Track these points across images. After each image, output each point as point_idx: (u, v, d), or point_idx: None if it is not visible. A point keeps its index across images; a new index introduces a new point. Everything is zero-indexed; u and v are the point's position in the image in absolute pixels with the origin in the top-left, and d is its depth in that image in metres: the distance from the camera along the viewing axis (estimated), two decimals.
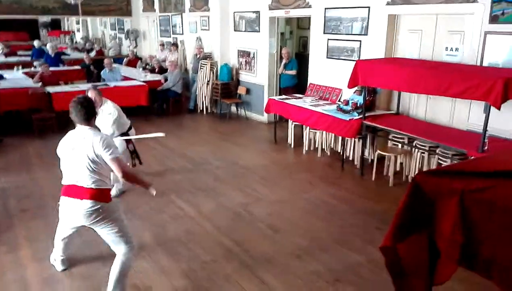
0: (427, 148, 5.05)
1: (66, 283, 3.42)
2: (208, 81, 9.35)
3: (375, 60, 5.58)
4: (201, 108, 9.63)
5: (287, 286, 3.39)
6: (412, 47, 5.77)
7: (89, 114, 3.04)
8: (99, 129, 3.51)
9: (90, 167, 2.95)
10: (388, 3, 5.81)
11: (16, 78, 9.43)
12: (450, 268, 1.81)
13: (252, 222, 4.48)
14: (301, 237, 4.15)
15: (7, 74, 9.72)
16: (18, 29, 18.91)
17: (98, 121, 3.83)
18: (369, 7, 6.13)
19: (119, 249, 3.11)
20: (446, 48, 5.35)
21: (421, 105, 5.73)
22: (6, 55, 14.79)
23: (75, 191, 2.99)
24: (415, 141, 5.19)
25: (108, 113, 4.73)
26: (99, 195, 2.99)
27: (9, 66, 11.91)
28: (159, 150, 6.84)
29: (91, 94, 4.50)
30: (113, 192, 4.66)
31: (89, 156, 2.94)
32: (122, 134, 4.96)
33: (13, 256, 3.78)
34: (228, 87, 9.23)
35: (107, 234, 3.09)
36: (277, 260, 3.76)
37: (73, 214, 3.04)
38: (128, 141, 5.07)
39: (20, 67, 11.45)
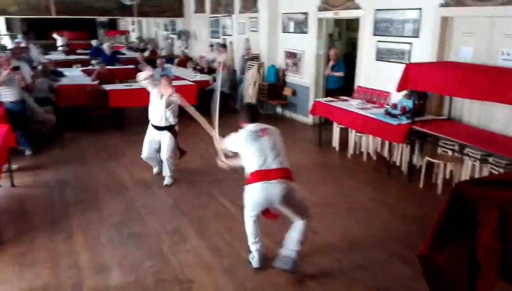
0: (479, 156, 4.85)
1: (115, 273, 3.61)
2: (255, 82, 9.46)
3: (426, 64, 5.44)
4: None
5: (326, 288, 3.41)
6: (465, 50, 5.56)
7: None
8: None
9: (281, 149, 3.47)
10: (441, 5, 5.63)
11: (75, 75, 10.00)
12: (490, 281, 1.77)
13: (292, 222, 4.50)
14: (342, 241, 4.14)
15: (67, 71, 10.34)
16: (78, 29, 19.96)
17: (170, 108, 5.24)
18: (420, 9, 5.97)
19: (302, 218, 3.52)
20: (502, 53, 5.10)
21: (474, 111, 5.51)
22: (66, 53, 15.72)
23: (285, 174, 3.36)
24: (467, 149, 5.00)
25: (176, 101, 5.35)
26: (291, 173, 3.43)
27: (69, 64, 12.66)
28: (205, 148, 7.02)
29: (164, 81, 5.26)
30: (167, 181, 5.50)
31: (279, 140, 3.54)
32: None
33: (68, 243, 4.06)
34: (274, 88, 9.30)
35: (297, 206, 3.49)
36: (316, 262, 3.78)
37: (272, 195, 3.34)
38: (175, 135, 5.52)
39: (79, 65, 12.15)
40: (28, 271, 3.60)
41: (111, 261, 3.75)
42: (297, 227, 3.55)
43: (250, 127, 3.57)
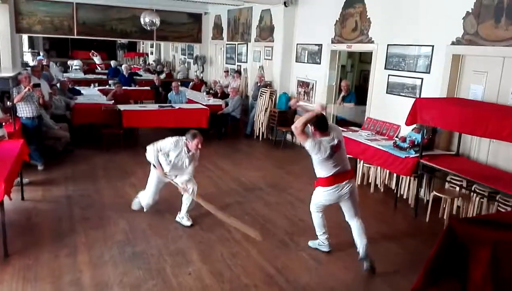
0: (486, 193, 4.82)
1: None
2: (266, 108, 9.58)
3: (436, 99, 5.48)
4: (257, 134, 9.85)
5: None
6: (475, 88, 5.60)
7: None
8: None
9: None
10: (453, 43, 5.72)
11: (92, 94, 10.27)
12: None
13: (296, 251, 4.50)
14: (345, 273, 4.11)
15: (84, 90, 10.62)
16: (98, 49, 20.54)
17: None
18: (433, 46, 6.06)
19: (358, 216, 4.18)
20: None
21: (483, 148, 5.51)
22: (85, 72, 16.17)
23: (350, 174, 4.12)
24: (474, 186, 4.97)
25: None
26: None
27: (87, 82, 13.00)
28: (214, 172, 7.09)
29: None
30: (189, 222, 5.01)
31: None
32: None
33: (72, 259, 4.10)
34: (285, 116, 9.39)
35: (354, 202, 4.13)
36: None
37: (343, 194, 4.07)
38: None
39: (96, 84, 12.47)
40: (31, 286, 3.63)
41: (113, 280, 3.77)
42: (356, 225, 4.19)
43: (326, 140, 3.97)
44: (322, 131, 4.00)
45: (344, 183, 4.04)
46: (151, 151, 4.85)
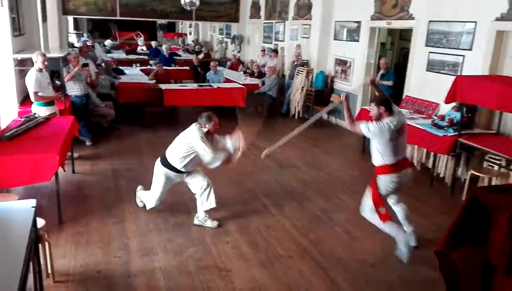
0: None
1: (160, 256, 3.91)
2: (303, 87, 9.61)
3: (477, 77, 5.37)
4: (293, 113, 9.92)
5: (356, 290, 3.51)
6: None
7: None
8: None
9: None
10: (497, 19, 5.54)
11: (134, 74, 10.64)
12: (507, 284, 1.83)
13: (330, 226, 4.64)
14: (377, 247, 4.21)
15: (127, 70, 11.01)
16: (139, 30, 21.00)
17: None
18: (476, 22, 5.89)
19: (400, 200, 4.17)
20: None
21: None
22: (127, 52, 16.66)
23: (409, 162, 4.20)
24: None
25: None
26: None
27: (129, 62, 13.43)
28: (251, 150, 7.25)
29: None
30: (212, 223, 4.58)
31: None
32: None
33: (120, 227, 4.43)
34: (322, 94, 9.41)
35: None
36: (350, 265, 3.88)
37: (406, 181, 4.02)
38: None
39: (138, 64, 12.87)
40: (83, 249, 3.98)
41: (157, 246, 4.06)
42: (401, 208, 4.21)
43: (392, 121, 3.76)
44: (390, 112, 3.81)
45: (409, 168, 3.98)
46: (215, 157, 4.23)
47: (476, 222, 1.81)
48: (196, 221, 4.51)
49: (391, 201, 4.19)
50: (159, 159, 4.55)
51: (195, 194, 4.54)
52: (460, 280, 1.90)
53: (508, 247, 1.67)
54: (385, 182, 3.88)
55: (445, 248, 1.87)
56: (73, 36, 19.09)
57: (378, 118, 3.82)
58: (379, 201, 3.87)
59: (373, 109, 3.87)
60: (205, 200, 4.47)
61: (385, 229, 3.92)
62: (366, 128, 3.80)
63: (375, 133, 3.78)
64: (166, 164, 4.42)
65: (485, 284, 1.82)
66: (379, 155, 3.85)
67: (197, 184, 4.49)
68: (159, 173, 4.49)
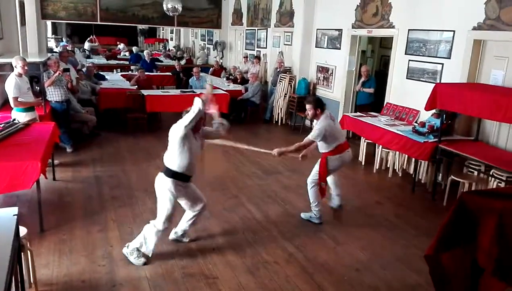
0: (504, 178, 4.88)
1: (145, 264, 3.86)
2: (286, 94, 9.69)
3: (456, 84, 5.52)
4: (276, 120, 9.98)
5: None
6: (496, 74, 5.60)
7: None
8: None
9: None
10: (474, 28, 5.71)
11: (115, 79, 10.53)
12: (494, 285, 1.89)
13: (315, 231, 4.67)
14: (362, 252, 4.26)
15: (108, 76, 10.89)
16: (119, 35, 20.85)
17: None
18: (454, 31, 6.06)
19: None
20: None
21: (502, 134, 5.54)
22: (107, 58, 16.49)
23: (348, 144, 4.82)
24: (493, 170, 5.03)
25: None
26: None
27: (110, 68, 13.29)
28: (235, 156, 7.27)
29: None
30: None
31: None
32: None
33: (103, 235, 4.36)
34: (304, 101, 9.47)
35: None
36: (336, 270, 3.92)
37: (347, 160, 4.80)
38: None
39: (119, 70, 12.75)
40: (67, 258, 3.90)
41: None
42: (335, 178, 5.00)
43: (327, 119, 4.56)
44: (323, 109, 4.61)
45: (349, 149, 4.74)
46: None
47: (465, 226, 1.86)
48: (172, 236, 4.16)
49: (330, 177, 4.89)
50: (160, 173, 3.87)
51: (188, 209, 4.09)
52: (449, 284, 1.95)
53: (495, 250, 1.73)
54: (332, 161, 4.68)
55: (434, 252, 1.92)
56: (52, 40, 18.79)
57: (314, 117, 4.67)
58: (324, 177, 4.72)
59: (310, 110, 4.61)
60: (194, 218, 4.11)
61: (313, 197, 4.78)
62: (316, 137, 4.55)
63: (320, 137, 4.54)
64: (168, 172, 3.80)
65: (473, 287, 1.88)
66: (326, 146, 4.64)
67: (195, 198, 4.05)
68: (163, 187, 3.80)
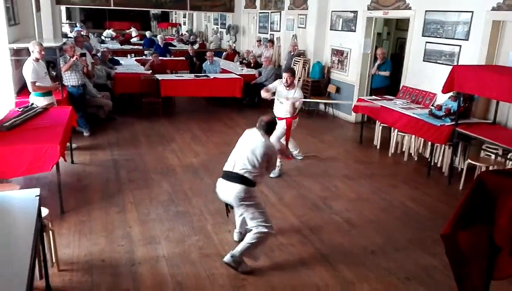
0: None
1: (163, 244, 3.95)
2: (300, 77, 9.62)
3: (474, 66, 5.42)
4: None
5: (358, 277, 3.58)
6: None
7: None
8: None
9: None
10: (493, 9, 5.58)
11: (130, 64, 10.57)
12: (511, 266, 1.90)
13: (329, 214, 4.70)
14: (376, 235, 4.28)
15: (123, 60, 10.95)
16: (132, 20, 20.85)
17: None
18: (472, 12, 5.93)
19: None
20: None
21: None
22: (121, 43, 16.53)
23: None
24: (510, 154, 4.97)
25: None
26: None
27: (124, 53, 13.34)
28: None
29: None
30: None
31: None
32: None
33: (122, 216, 4.45)
34: (318, 85, 9.43)
35: None
36: (351, 252, 3.95)
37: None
38: None
39: (133, 54, 12.79)
40: (87, 238, 4.00)
41: (160, 234, 4.10)
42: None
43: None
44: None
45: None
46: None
47: (482, 205, 1.86)
48: (226, 259, 3.58)
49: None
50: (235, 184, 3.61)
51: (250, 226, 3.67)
52: (466, 263, 1.96)
53: None
54: (294, 123, 5.71)
55: (451, 230, 1.92)
56: (66, 26, 18.91)
57: (291, 84, 5.54)
58: (289, 136, 5.73)
59: (290, 78, 5.50)
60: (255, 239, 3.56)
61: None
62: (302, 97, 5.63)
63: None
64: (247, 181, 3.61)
65: (490, 265, 1.89)
66: (293, 111, 5.53)
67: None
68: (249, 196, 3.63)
